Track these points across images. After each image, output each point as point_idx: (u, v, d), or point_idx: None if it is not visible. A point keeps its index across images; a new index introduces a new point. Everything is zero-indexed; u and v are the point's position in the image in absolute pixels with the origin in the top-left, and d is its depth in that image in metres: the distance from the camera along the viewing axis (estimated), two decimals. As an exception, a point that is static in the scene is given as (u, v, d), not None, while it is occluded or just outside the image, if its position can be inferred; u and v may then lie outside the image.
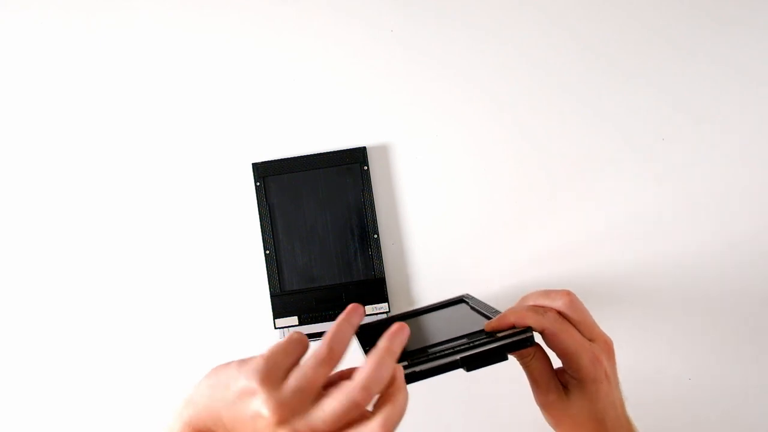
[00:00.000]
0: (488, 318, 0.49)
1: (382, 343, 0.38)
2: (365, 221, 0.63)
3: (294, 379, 0.36)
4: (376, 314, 0.62)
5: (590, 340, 0.45)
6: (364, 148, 0.63)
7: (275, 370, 0.37)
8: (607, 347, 0.46)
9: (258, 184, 0.63)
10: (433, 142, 0.64)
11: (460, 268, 0.64)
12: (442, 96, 0.64)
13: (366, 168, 0.63)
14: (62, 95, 0.65)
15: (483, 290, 0.63)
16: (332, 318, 0.62)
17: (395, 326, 0.38)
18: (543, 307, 0.46)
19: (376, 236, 0.62)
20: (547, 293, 0.47)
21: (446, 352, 0.44)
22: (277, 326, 0.62)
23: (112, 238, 0.64)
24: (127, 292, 0.64)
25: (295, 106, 0.64)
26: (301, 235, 0.63)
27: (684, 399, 0.63)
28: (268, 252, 0.62)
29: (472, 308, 0.55)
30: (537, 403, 0.48)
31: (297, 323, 0.62)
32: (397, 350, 0.38)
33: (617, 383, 0.46)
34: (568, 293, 0.46)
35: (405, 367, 0.43)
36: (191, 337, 0.63)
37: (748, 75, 0.64)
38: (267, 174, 0.63)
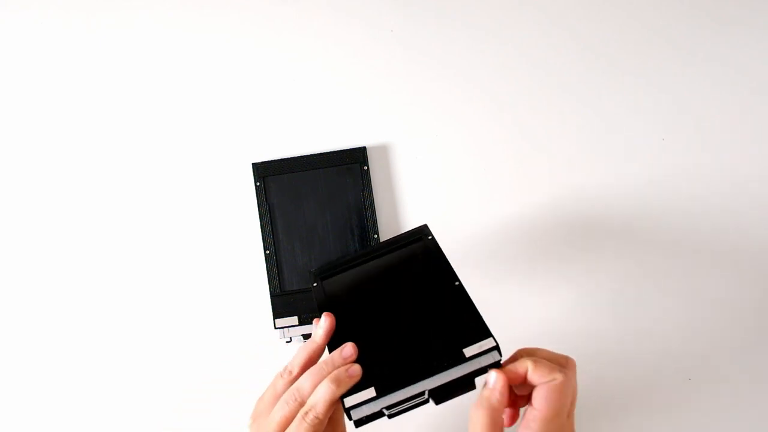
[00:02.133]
0: (453, 285, 0.49)
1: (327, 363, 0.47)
2: (365, 221, 0.63)
3: (274, 419, 0.46)
4: None
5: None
6: (364, 148, 0.63)
7: (261, 407, 0.48)
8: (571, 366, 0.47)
9: (258, 184, 0.63)
10: (433, 142, 0.64)
11: (459, 268, 0.63)
12: (441, 96, 0.64)
13: (366, 168, 0.63)
14: (62, 96, 0.65)
15: (485, 291, 0.63)
16: None
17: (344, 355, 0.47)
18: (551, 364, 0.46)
19: (376, 236, 0.62)
20: (553, 356, 0.47)
21: (410, 376, 0.43)
22: (277, 326, 0.62)
23: (111, 238, 0.64)
24: (127, 292, 0.64)
25: (295, 106, 0.64)
26: (301, 235, 0.63)
27: (684, 399, 0.63)
28: (268, 252, 0.62)
29: (433, 259, 0.52)
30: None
31: (297, 323, 0.62)
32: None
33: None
34: (569, 361, 0.47)
35: (371, 399, 0.43)
36: (191, 337, 0.63)
37: (748, 75, 0.64)
38: (267, 174, 0.63)
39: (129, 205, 0.64)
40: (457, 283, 0.49)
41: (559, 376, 0.44)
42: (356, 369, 0.45)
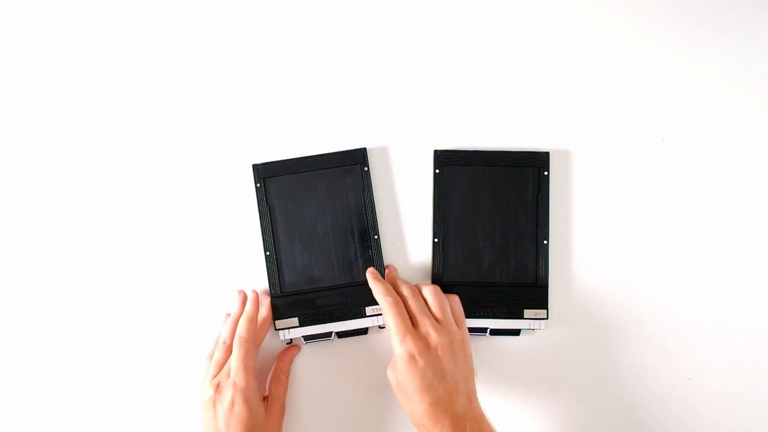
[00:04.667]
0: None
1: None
2: (365, 222, 0.63)
3: (211, 370, 0.60)
4: (377, 315, 0.62)
5: (415, 326, 0.56)
6: (365, 149, 0.63)
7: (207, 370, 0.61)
8: (426, 337, 0.55)
9: (258, 185, 0.63)
10: (432, 143, 0.64)
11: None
12: (441, 97, 0.64)
13: (366, 169, 0.63)
14: (63, 97, 0.65)
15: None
16: (332, 319, 0.62)
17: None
18: (393, 290, 0.59)
19: (376, 237, 0.62)
20: (407, 282, 0.61)
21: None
22: (277, 327, 0.62)
23: (111, 239, 0.64)
24: (127, 293, 0.64)
25: (295, 107, 0.64)
26: (301, 237, 0.63)
27: (684, 399, 0.63)
28: (268, 253, 0.62)
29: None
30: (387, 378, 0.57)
31: (297, 324, 0.62)
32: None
33: (432, 367, 0.54)
34: (414, 288, 0.59)
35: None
36: (192, 339, 0.63)
37: (748, 75, 0.64)
38: (267, 175, 0.63)
39: (129, 206, 0.64)
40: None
41: (387, 299, 0.57)
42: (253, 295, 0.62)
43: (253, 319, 0.60)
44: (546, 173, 0.63)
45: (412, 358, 0.54)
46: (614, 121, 0.64)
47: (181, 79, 0.65)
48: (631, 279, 0.63)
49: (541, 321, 0.62)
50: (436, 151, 0.63)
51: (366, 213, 0.63)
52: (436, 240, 0.63)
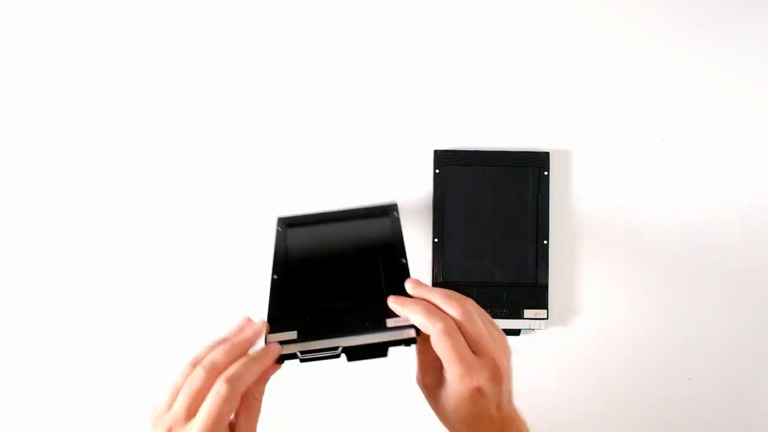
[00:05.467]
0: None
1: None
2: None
3: (173, 409, 0.40)
4: (402, 327, 0.46)
5: (476, 353, 0.44)
6: (395, 204, 0.63)
7: (161, 407, 0.41)
8: (493, 364, 0.44)
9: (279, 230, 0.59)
10: (432, 143, 0.64)
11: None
12: (441, 97, 0.64)
13: (396, 215, 0.59)
14: (64, 98, 0.64)
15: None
16: (340, 331, 0.47)
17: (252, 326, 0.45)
18: (441, 311, 0.45)
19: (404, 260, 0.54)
20: (447, 298, 0.46)
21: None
22: (268, 341, 0.59)
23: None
24: (130, 295, 0.64)
25: (295, 107, 0.64)
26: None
27: (684, 399, 0.63)
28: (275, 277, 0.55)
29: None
30: (416, 378, 0.48)
31: (296, 338, 0.46)
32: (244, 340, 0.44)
33: (497, 395, 0.44)
34: (464, 305, 0.45)
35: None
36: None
37: (748, 75, 0.64)
38: (291, 224, 0.60)
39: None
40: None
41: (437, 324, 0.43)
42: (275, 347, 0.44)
43: (260, 359, 0.43)
44: (546, 173, 0.63)
45: (478, 392, 0.43)
46: (614, 121, 0.64)
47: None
48: (631, 279, 0.63)
49: (541, 321, 0.62)
50: (436, 151, 0.63)
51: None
52: (436, 240, 0.63)
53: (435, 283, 0.62)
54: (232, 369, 0.40)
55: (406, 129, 0.64)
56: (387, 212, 0.59)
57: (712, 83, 0.64)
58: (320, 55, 0.64)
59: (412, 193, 0.64)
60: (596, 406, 0.63)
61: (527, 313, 0.62)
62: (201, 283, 0.64)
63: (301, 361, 0.44)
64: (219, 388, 0.39)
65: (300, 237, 0.58)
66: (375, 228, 0.58)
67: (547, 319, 0.62)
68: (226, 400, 0.39)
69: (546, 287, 0.62)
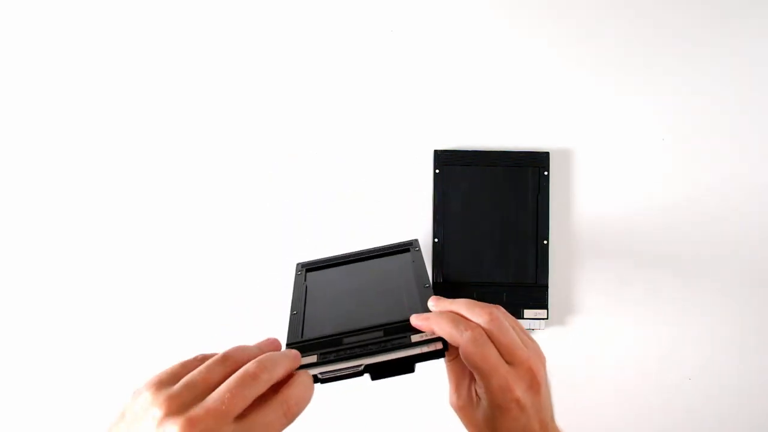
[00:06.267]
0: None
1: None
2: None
3: (185, 378, 0.36)
4: (428, 341, 0.45)
5: (510, 363, 0.42)
6: (416, 240, 0.63)
7: (165, 376, 0.36)
8: (529, 373, 0.42)
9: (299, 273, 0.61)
10: (432, 143, 0.64)
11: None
12: (441, 97, 0.64)
13: (418, 250, 0.59)
14: (66, 99, 0.64)
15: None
16: (363, 355, 0.45)
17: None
18: (467, 320, 0.43)
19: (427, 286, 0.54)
20: (473, 306, 0.44)
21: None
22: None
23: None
24: (125, 296, 0.64)
25: (295, 107, 0.64)
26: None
27: (684, 399, 0.63)
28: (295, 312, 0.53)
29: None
30: (449, 400, 0.46)
31: (315, 361, 0.45)
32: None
33: (538, 409, 0.42)
34: (491, 311, 0.43)
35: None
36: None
37: (748, 74, 0.64)
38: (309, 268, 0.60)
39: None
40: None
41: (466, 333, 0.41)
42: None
43: (289, 355, 0.39)
44: (546, 173, 0.63)
45: (517, 405, 0.41)
46: (614, 121, 0.64)
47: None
48: (631, 279, 0.63)
49: (541, 321, 0.62)
50: (436, 151, 0.63)
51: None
52: (436, 240, 0.63)
53: (435, 283, 0.62)
54: (263, 356, 0.37)
55: (406, 129, 0.64)
56: (408, 248, 0.59)
57: (713, 83, 0.64)
58: (320, 55, 0.64)
59: (412, 193, 0.64)
60: (596, 406, 0.63)
61: (527, 313, 0.62)
62: (201, 283, 0.64)
63: (322, 382, 0.42)
64: (249, 366, 0.36)
65: (319, 277, 0.57)
66: (396, 263, 0.57)
67: (547, 319, 0.62)
68: (253, 377, 0.35)
69: (546, 287, 0.62)
